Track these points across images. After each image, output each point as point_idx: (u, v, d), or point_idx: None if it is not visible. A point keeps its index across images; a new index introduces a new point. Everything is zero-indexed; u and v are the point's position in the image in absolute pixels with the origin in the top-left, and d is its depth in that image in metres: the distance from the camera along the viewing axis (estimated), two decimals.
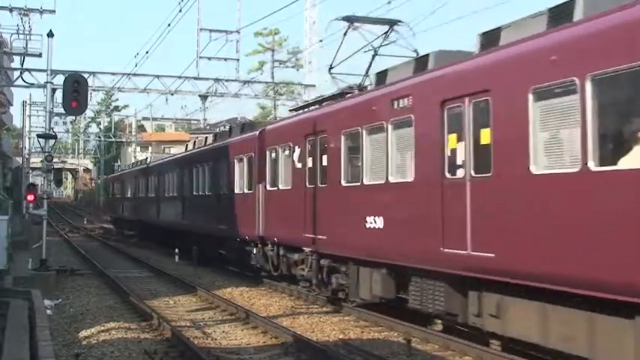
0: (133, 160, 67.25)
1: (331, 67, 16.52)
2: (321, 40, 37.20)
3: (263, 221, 19.02)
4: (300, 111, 18.43)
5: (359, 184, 13.82)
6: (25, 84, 31.74)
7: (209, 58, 33.73)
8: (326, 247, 15.30)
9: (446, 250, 10.93)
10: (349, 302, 15.16)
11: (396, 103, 12.52)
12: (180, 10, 26.08)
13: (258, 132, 20.12)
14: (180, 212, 28.81)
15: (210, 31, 33.26)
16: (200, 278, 22.06)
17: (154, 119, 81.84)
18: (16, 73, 32.81)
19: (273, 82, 43.90)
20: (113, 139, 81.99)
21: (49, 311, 15.01)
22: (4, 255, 18.23)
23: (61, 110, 23.29)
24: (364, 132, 13.61)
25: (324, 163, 15.39)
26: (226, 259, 24.04)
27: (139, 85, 35.01)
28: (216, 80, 35.66)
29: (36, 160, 58.24)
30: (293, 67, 52.48)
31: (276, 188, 18.39)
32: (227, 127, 31.55)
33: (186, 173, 28.41)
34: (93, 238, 43.14)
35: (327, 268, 15.60)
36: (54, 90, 25.88)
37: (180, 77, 35.11)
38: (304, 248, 16.44)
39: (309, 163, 16.24)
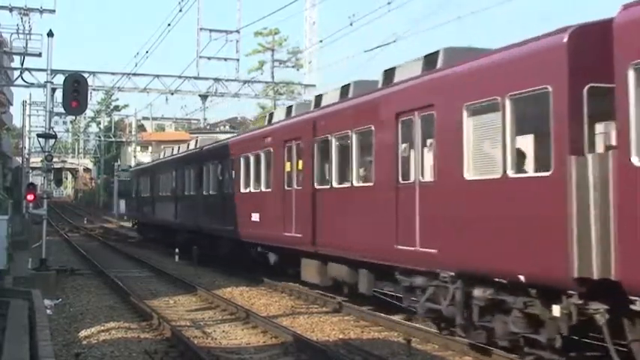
0: (133, 160, 67.25)
1: None
2: (321, 41, 37.30)
3: (626, 247, 7.91)
4: None
5: None
6: (25, 84, 31.78)
7: (209, 58, 33.81)
8: None
9: None
10: None
11: None
12: (181, 10, 26.21)
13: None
14: (277, 216, 18.24)
15: (210, 30, 33.31)
16: (200, 278, 22.05)
17: (154, 119, 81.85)
18: (16, 73, 32.83)
19: (273, 81, 43.95)
20: (113, 139, 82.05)
21: (49, 311, 15.00)
22: (4, 255, 18.23)
23: (61, 110, 23.31)
24: None
25: None
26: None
27: (139, 84, 35.06)
28: (216, 80, 35.67)
29: (36, 160, 58.26)
30: (293, 67, 52.53)
31: None
32: (227, 127, 31.06)
33: (279, 157, 18.40)
34: (93, 237, 43.09)
35: None
36: (54, 90, 25.92)
37: (180, 77, 35.14)
38: None
39: None
